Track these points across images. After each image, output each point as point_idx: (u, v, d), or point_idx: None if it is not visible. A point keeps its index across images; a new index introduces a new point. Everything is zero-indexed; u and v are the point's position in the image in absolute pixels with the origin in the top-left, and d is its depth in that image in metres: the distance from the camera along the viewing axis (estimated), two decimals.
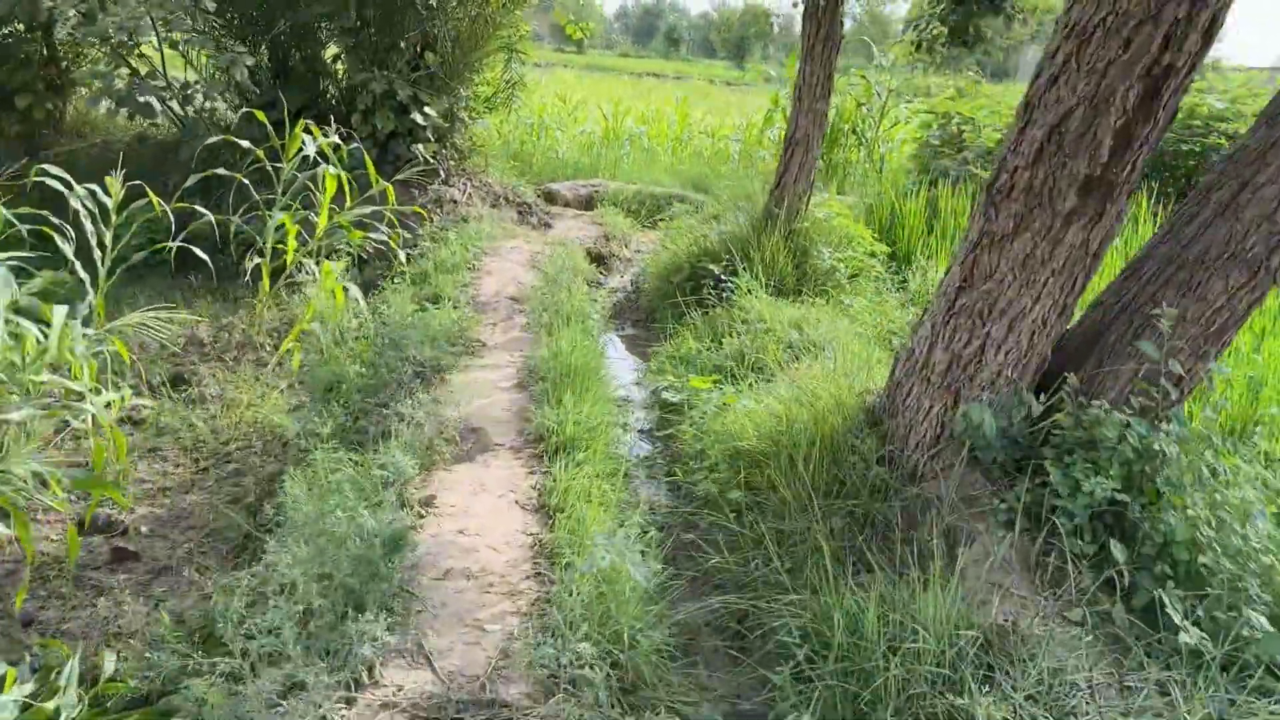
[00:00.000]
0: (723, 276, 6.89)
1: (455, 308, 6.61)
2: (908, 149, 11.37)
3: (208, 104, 9.08)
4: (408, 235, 8.38)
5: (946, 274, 3.61)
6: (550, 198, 12.33)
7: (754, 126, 15.63)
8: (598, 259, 9.40)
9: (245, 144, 6.92)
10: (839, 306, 6.57)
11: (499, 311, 6.75)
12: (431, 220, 8.98)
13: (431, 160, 9.38)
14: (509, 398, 4.84)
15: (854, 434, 3.67)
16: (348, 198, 7.01)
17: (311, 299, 5.89)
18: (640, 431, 5.03)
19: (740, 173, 13.97)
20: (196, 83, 8.77)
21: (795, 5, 7.99)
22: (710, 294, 6.83)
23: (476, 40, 9.68)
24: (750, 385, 4.83)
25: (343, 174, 6.83)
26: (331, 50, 10.22)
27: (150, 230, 8.11)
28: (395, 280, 7.38)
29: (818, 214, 7.52)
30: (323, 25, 9.71)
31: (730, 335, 5.74)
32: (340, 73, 9.74)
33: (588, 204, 12.34)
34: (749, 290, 6.32)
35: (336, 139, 7.40)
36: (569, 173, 13.57)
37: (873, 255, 7.59)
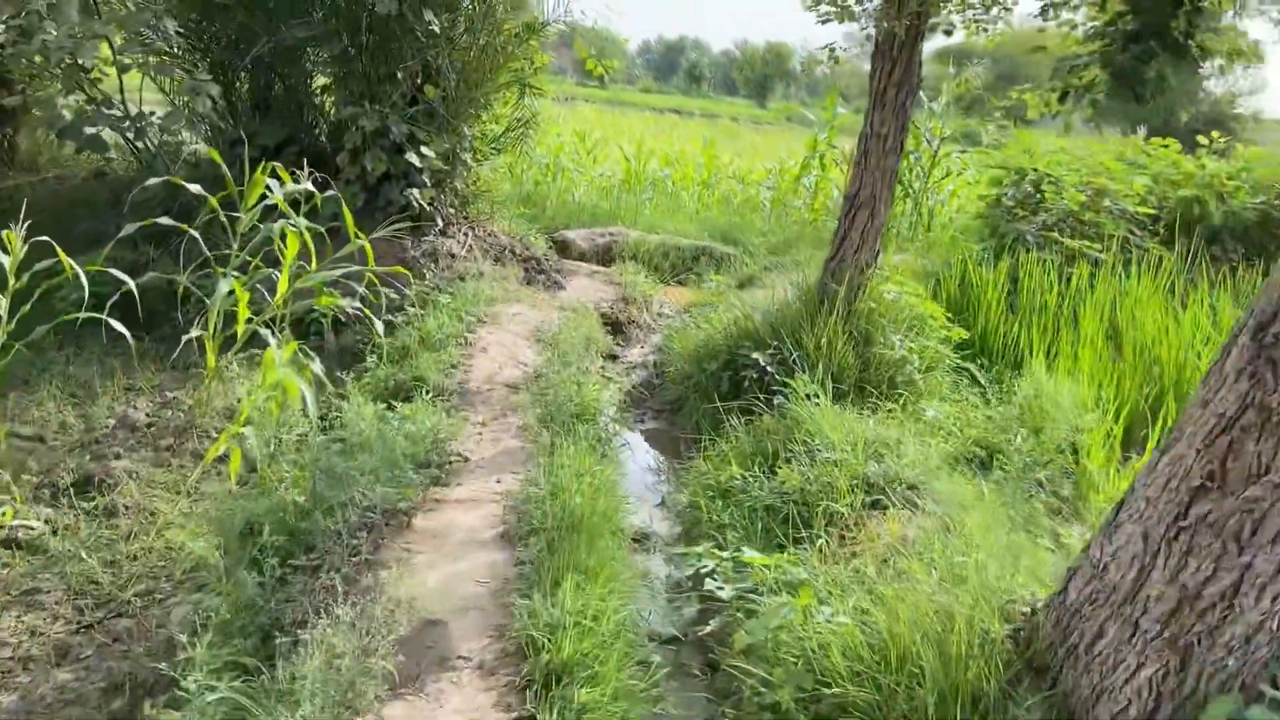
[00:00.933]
0: (769, 368, 5.59)
1: (436, 400, 5.32)
2: (973, 207, 10.09)
3: (174, 136, 7.89)
4: (393, 297, 7.13)
5: (1165, 454, 2.32)
6: (564, 248, 11.09)
7: (788, 173, 14.41)
8: (614, 326, 8.12)
9: (194, 189, 5.70)
10: (914, 413, 5.25)
11: (491, 405, 5.46)
12: (424, 277, 7.73)
13: (428, 207, 8.15)
14: (488, 560, 3.54)
15: (1008, 692, 2.36)
16: (314, 256, 5.77)
17: (249, 393, 4.62)
18: (668, 639, 3.61)
19: (773, 225, 12.72)
20: (152, 113, 7.59)
21: (863, 38, 6.77)
22: (754, 392, 5.52)
23: (485, 73, 8.49)
24: (822, 550, 3.52)
25: (305, 230, 5.59)
26: (321, 80, 9.05)
27: (95, 284, 6.95)
28: (370, 357, 6.11)
29: (884, 292, 6.22)
30: (309, 51, 8.54)
31: (786, 461, 4.44)
32: (328, 105, 8.56)
33: (605, 255, 11.09)
34: (807, 396, 5.00)
35: (309, 184, 6.17)
36: (586, 218, 12.35)
37: (947, 342, 6.28)
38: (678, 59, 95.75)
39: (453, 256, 8.19)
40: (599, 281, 8.80)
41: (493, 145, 9.30)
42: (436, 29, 7.86)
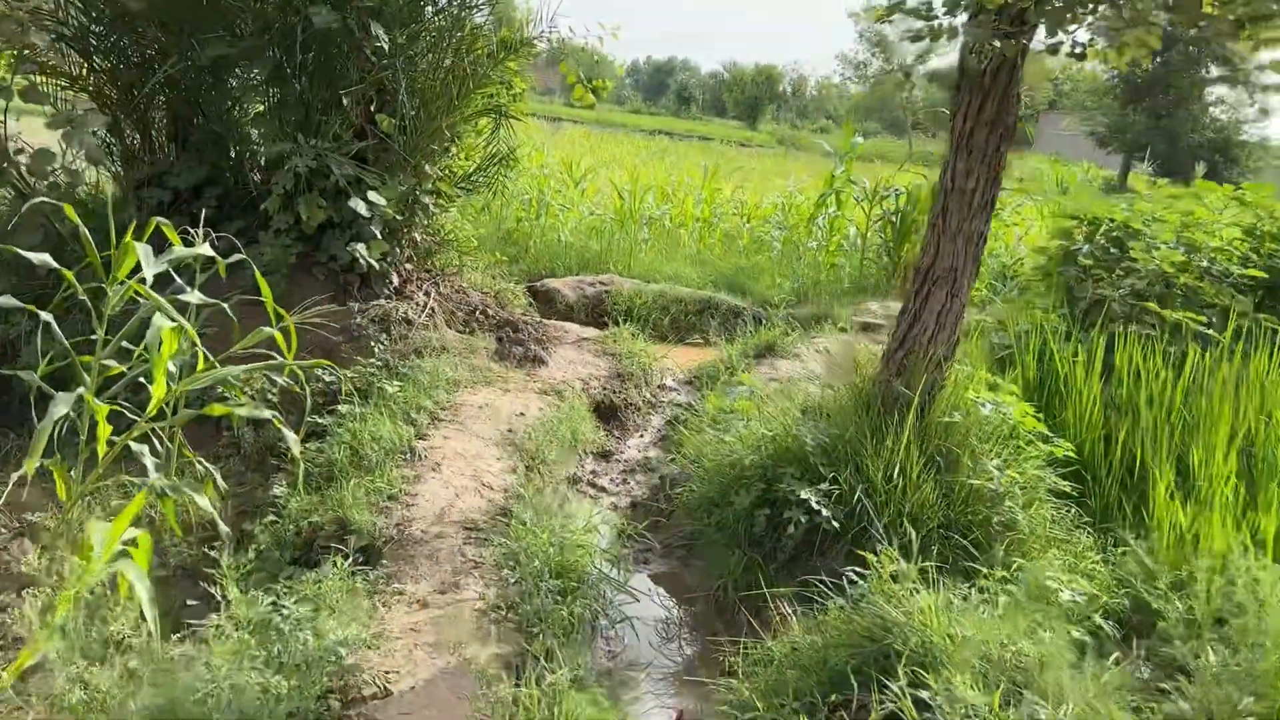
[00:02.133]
0: (823, 510, 4.07)
1: (360, 564, 3.78)
2: (1030, 259, 8.62)
3: (58, 177, 6.35)
4: (331, 380, 5.60)
5: None
6: (548, 299, 9.57)
7: (798, 210, 12.94)
8: (608, 413, 6.60)
9: (38, 259, 4.18)
10: (1037, 588, 3.73)
11: (438, 565, 3.92)
12: (371, 352, 6.21)
13: (377, 264, 6.62)
14: None
15: None
16: (236, 328, 4.24)
17: (62, 592, 3.07)
18: None
19: (785, 269, 11.25)
20: (19, 150, 6.06)
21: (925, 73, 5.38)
22: (804, 546, 4.00)
23: (452, 99, 6.99)
24: None
25: (189, 327, 4.06)
26: (256, 107, 7.53)
27: None
28: (279, 487, 4.56)
29: (972, 398, 4.71)
30: (236, 72, 7.03)
31: (875, 690, 2.91)
32: (260, 138, 7.03)
33: (595, 308, 9.57)
34: (892, 576, 3.46)
35: (208, 248, 4.63)
36: (573, 261, 10.85)
37: (1050, 464, 4.77)
38: (666, 80, 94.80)
39: (409, 324, 6.65)
40: (588, 353, 7.27)
41: (462, 185, 7.78)
42: (387, 45, 6.36)
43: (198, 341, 4.15)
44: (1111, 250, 7.24)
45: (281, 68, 6.67)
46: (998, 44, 3.87)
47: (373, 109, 6.89)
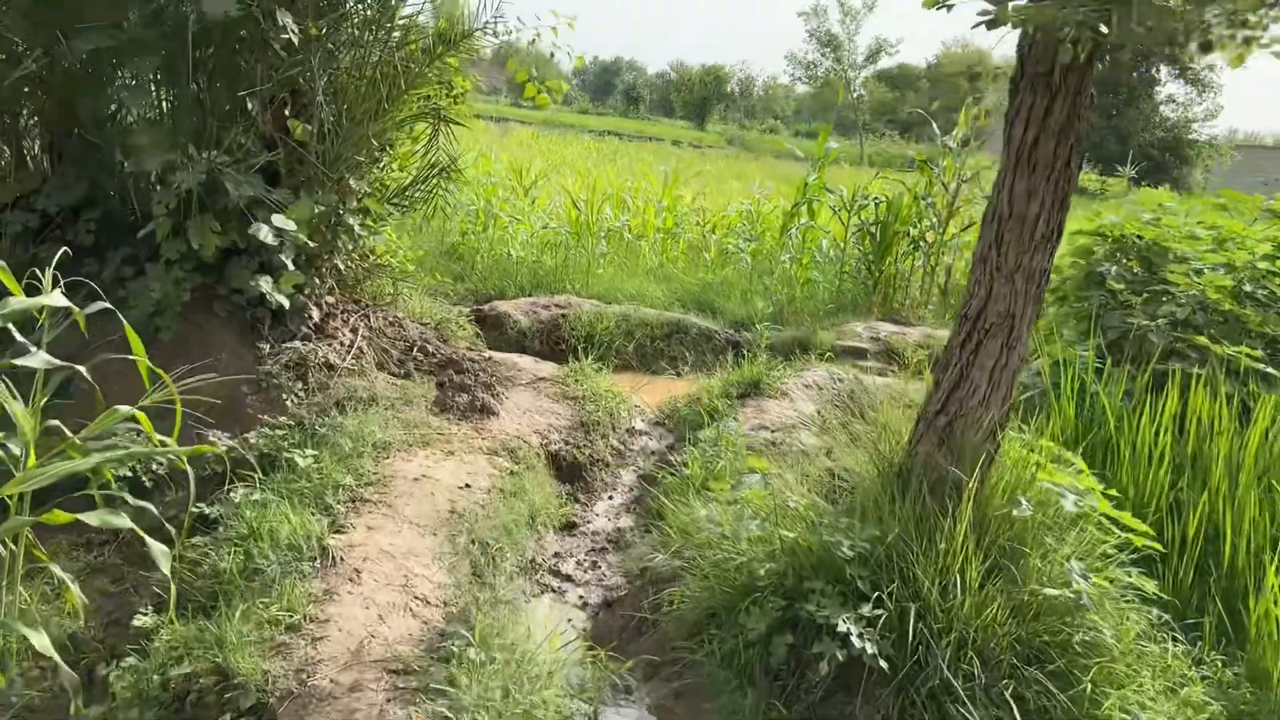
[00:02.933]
0: (867, 646, 3.10)
1: None
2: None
3: None
4: (234, 447, 4.51)
5: None
6: (497, 325, 8.51)
7: (766, 219, 12.01)
8: (572, 472, 5.57)
9: None
10: None
11: None
12: (284, 408, 5.12)
13: (287, 301, 5.52)
14: None
15: None
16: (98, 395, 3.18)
17: None
18: None
19: (756, 285, 10.31)
20: None
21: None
22: (831, 680, 3.03)
23: (380, 102, 5.91)
24: None
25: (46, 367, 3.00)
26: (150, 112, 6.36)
27: None
28: (143, 615, 3.48)
29: (1050, 491, 3.75)
30: (120, 71, 5.87)
31: None
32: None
33: (551, 334, 8.53)
34: None
35: (58, 296, 3.54)
36: (525, 280, 9.79)
37: (1121, 547, 3.84)
38: (613, 80, 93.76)
39: (330, 369, 5.57)
40: (546, 397, 6.22)
41: (395, 201, 6.69)
42: (296, 40, 5.27)
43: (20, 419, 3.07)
44: (1139, 271, 6.39)
45: (174, 65, 5.54)
46: (1103, 29, 2.91)
47: (281, 113, 5.79)
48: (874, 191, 10.46)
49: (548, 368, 6.88)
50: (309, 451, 4.58)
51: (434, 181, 6.70)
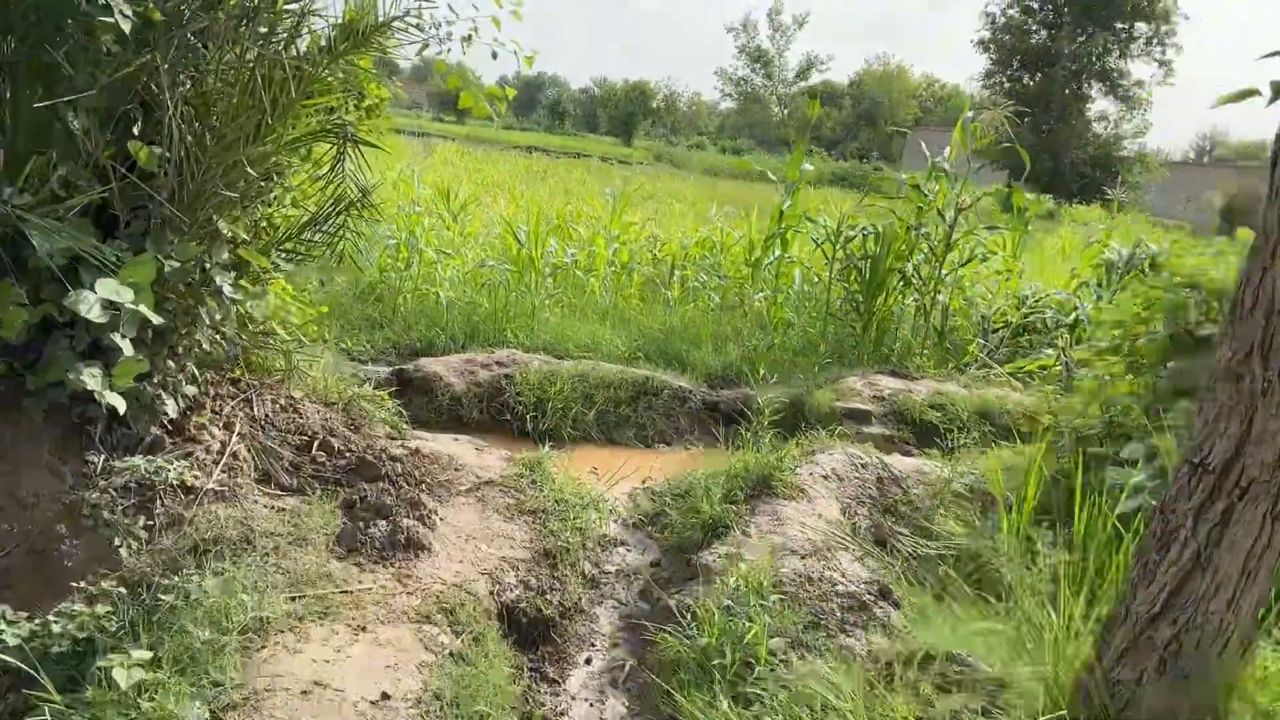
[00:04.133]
0: None
1: None
2: (1101, 336, 6.41)
3: None
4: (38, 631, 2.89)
5: None
6: (426, 390, 6.92)
7: (730, 250, 10.59)
8: (533, 632, 4.00)
9: None
10: None
11: None
12: (119, 554, 3.50)
13: (130, 394, 3.88)
14: None
15: None
16: None
17: None
18: None
19: (727, 328, 8.88)
20: None
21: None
22: None
23: (262, 117, 4.30)
24: None
25: None
26: None
27: None
28: None
29: None
30: None
31: None
32: None
33: (492, 400, 6.97)
34: None
35: None
36: (457, 328, 8.20)
37: None
38: (536, 95, 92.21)
39: (189, 492, 3.93)
40: (495, 511, 4.64)
41: (287, 248, 5.06)
42: (127, 25, 3.66)
43: None
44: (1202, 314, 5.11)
45: None
46: None
47: (126, 131, 4.15)
48: (857, 219, 9.12)
49: (494, 460, 5.29)
50: (138, 654, 2.95)
51: (340, 219, 5.09)
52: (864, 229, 8.83)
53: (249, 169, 4.33)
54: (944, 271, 8.88)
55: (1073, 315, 9.60)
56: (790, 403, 7.19)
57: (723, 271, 9.94)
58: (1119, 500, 4.17)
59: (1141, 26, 37.37)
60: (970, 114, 9.07)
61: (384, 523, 4.10)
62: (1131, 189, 38.19)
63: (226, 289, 4.31)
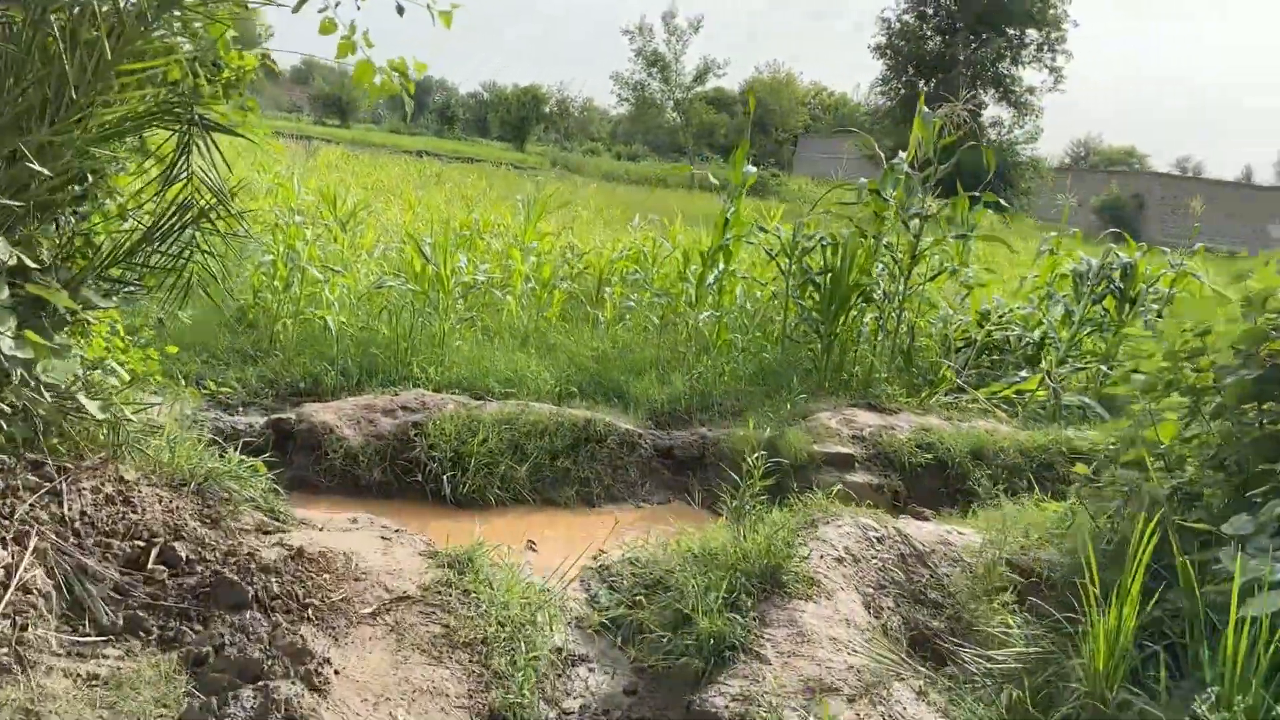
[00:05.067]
0: None
1: None
2: (1148, 367, 5.39)
3: None
4: None
5: None
6: (312, 445, 5.52)
7: (663, 262, 9.40)
8: None
9: None
10: None
11: None
12: None
13: None
14: None
15: None
16: None
17: None
18: None
19: (669, 353, 7.72)
20: None
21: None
22: None
23: (61, 88, 2.90)
24: None
25: None
26: None
27: None
28: None
29: None
30: None
31: None
32: None
33: (398, 456, 5.61)
34: None
35: None
36: (352, 363, 6.79)
37: None
38: (424, 99, 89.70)
39: None
40: (414, 650, 3.28)
41: (108, 277, 3.62)
42: None
43: None
44: None
45: None
46: None
47: None
48: (813, 228, 8.06)
49: (408, 557, 3.93)
50: None
51: (186, 234, 3.67)
52: (821, 239, 7.76)
53: (37, 165, 2.91)
54: (909, 286, 7.89)
55: (1037, 331, 8.78)
56: (763, 441, 6.05)
57: (659, 287, 8.73)
58: (1230, 593, 3.13)
59: (1032, 33, 37.91)
60: (927, 110, 8.12)
61: (251, 692, 2.73)
62: (1023, 194, 38.74)
63: (7, 343, 2.88)
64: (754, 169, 8.49)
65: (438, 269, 7.31)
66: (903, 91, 40.06)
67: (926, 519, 4.96)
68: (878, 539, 4.40)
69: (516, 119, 73.69)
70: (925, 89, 39.86)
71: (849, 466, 6.00)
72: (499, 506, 5.51)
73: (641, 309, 8.38)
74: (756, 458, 4.42)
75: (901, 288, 7.87)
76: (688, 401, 7.04)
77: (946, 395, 7.71)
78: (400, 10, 3.83)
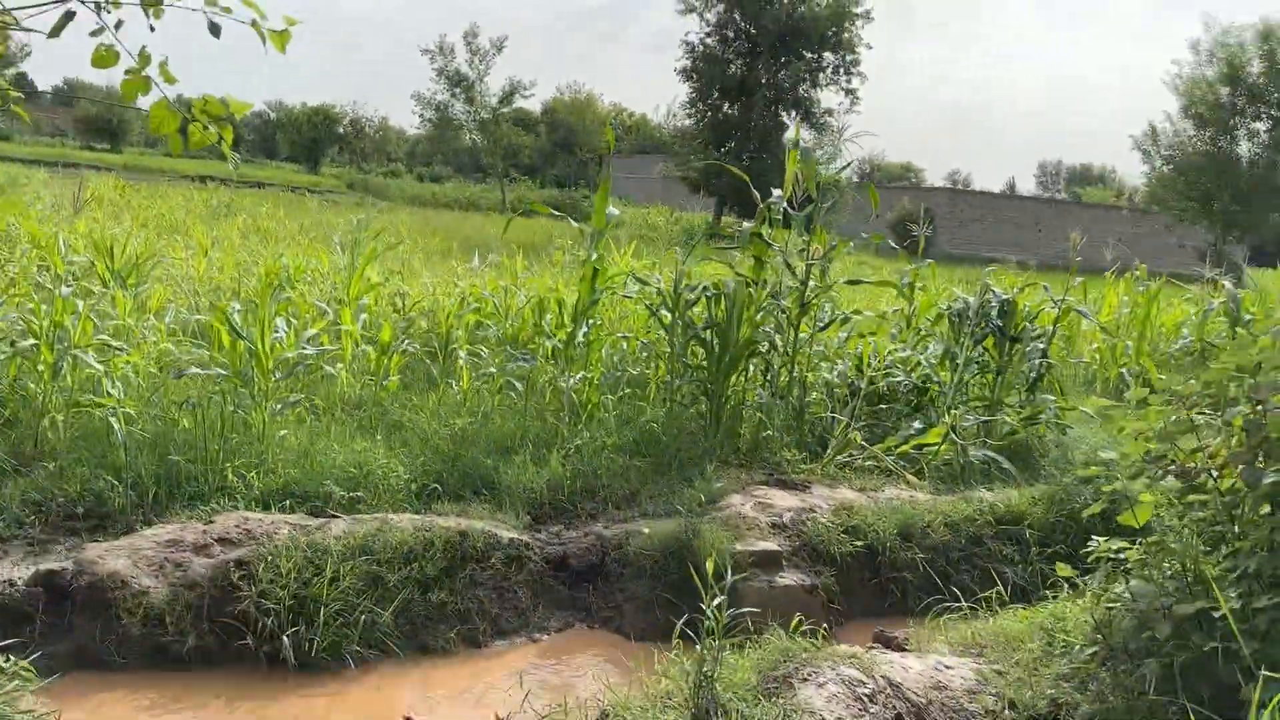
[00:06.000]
0: None
1: None
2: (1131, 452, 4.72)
3: None
4: None
5: None
6: (99, 605, 4.13)
7: (519, 310, 8.27)
8: None
9: None
10: None
11: None
12: None
13: None
14: None
15: None
16: None
17: None
18: None
19: (537, 427, 6.68)
20: None
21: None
22: None
23: None
24: None
25: None
26: None
27: None
28: None
29: None
30: None
31: None
32: None
33: (219, 612, 4.27)
34: None
35: None
36: (145, 469, 5.30)
37: None
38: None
39: None
40: None
41: None
42: None
43: None
44: None
45: None
46: None
47: None
48: (695, 277, 7.21)
49: None
50: None
51: None
52: (705, 289, 6.91)
53: None
54: (800, 338, 7.16)
55: (915, 374, 8.28)
56: (672, 546, 5.09)
57: (515, 341, 7.60)
58: None
59: (829, 56, 39.08)
60: (804, 143, 7.44)
61: None
62: (830, 214, 39.72)
63: None
64: (616, 212, 7.54)
65: (252, 346, 5.91)
66: (708, 115, 40.37)
67: (901, 647, 4.13)
68: (868, 697, 3.52)
69: (308, 140, 69.97)
70: (730, 111, 40.37)
71: (776, 566, 5.13)
72: (361, 666, 4.27)
73: (501, 371, 7.23)
74: (651, 544, 3.44)
75: (792, 340, 7.13)
76: (570, 486, 6.00)
77: (835, 453, 7.03)
78: (216, 30, 2.64)
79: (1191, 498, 3.69)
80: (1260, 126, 25.42)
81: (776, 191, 7.59)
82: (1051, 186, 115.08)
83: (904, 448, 7.10)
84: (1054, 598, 4.68)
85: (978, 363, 8.10)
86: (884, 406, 7.91)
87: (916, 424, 7.47)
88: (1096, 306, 11.61)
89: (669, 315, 6.90)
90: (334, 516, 4.98)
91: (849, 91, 39.39)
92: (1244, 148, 25.69)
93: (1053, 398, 7.72)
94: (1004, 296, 8.18)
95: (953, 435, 6.93)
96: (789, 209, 7.34)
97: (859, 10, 38.84)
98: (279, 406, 6.00)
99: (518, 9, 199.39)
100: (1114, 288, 11.67)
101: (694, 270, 7.42)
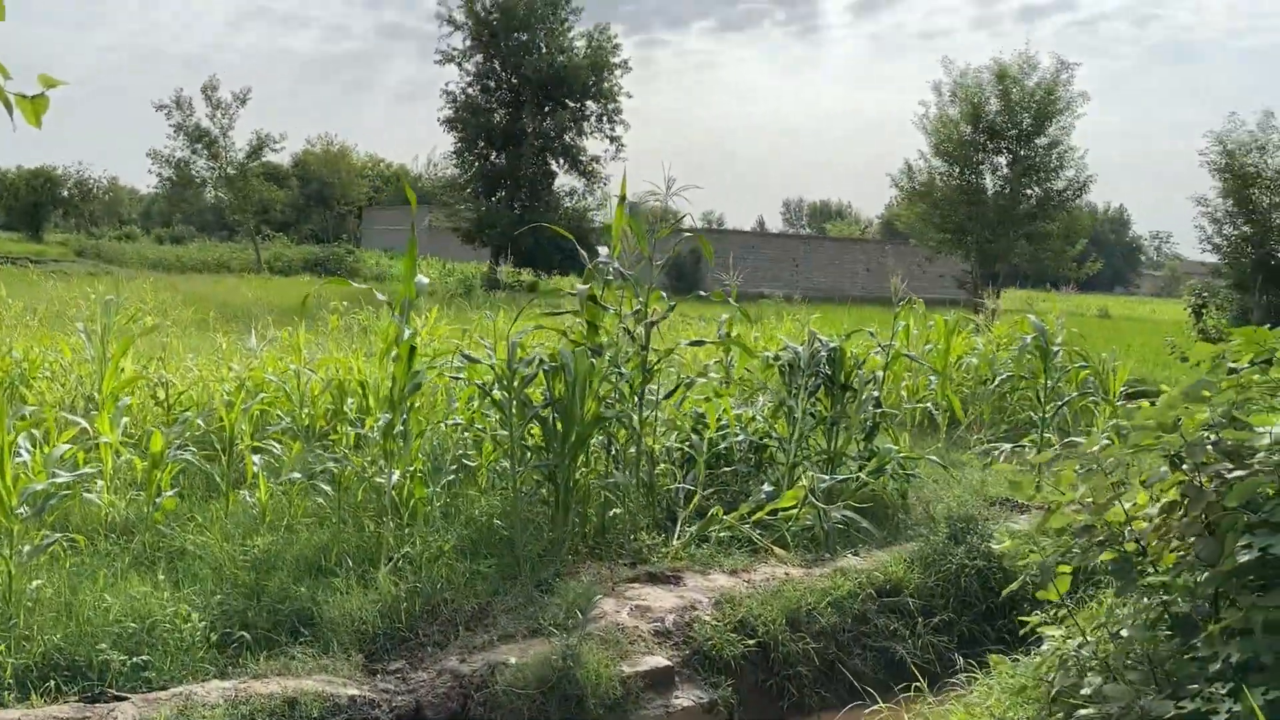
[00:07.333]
0: None
1: None
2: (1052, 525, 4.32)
3: None
4: None
5: None
6: None
7: (307, 402, 7.18)
8: None
9: None
10: None
11: None
12: None
13: None
14: None
15: None
16: None
17: None
18: None
19: (353, 539, 5.73)
20: None
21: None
22: None
23: None
24: None
25: None
26: None
27: None
28: None
29: None
30: None
31: None
32: None
33: None
34: None
35: None
36: None
37: None
38: None
39: None
40: None
41: None
42: None
43: None
44: None
45: None
46: None
47: None
48: (528, 348, 6.47)
49: None
50: None
51: None
52: (541, 362, 6.19)
53: None
54: (644, 409, 6.59)
55: (751, 429, 7.91)
56: (549, 677, 4.31)
57: (320, 438, 6.55)
58: None
59: (592, 105, 39.49)
60: (634, 197, 6.98)
61: None
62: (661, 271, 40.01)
63: None
64: (426, 280, 6.70)
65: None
66: (476, 164, 39.70)
67: None
68: None
69: (27, 205, 63.23)
70: (499, 160, 39.91)
71: (670, 686, 4.47)
72: None
73: (305, 474, 6.16)
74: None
75: (638, 410, 6.54)
76: (409, 609, 5.08)
77: (693, 527, 6.49)
78: None
79: (1149, 580, 3.37)
80: (1001, 160, 27.74)
81: (604, 250, 7.02)
82: (796, 222, 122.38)
83: (759, 514, 6.67)
84: (971, 680, 4.31)
85: (812, 414, 7.82)
86: (726, 469, 7.47)
87: (767, 487, 7.08)
88: (891, 340, 11.82)
89: (501, 393, 6.11)
90: (118, 698, 3.85)
91: (613, 139, 39.95)
92: (989, 181, 27.93)
93: (894, 446, 7.56)
94: (830, 345, 7.96)
95: (811, 498, 6.56)
96: (619, 269, 6.76)
97: (616, 60, 39.61)
98: (30, 552, 4.71)
99: (253, 62, 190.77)
100: (907, 320, 11.87)
101: (524, 340, 6.68)
